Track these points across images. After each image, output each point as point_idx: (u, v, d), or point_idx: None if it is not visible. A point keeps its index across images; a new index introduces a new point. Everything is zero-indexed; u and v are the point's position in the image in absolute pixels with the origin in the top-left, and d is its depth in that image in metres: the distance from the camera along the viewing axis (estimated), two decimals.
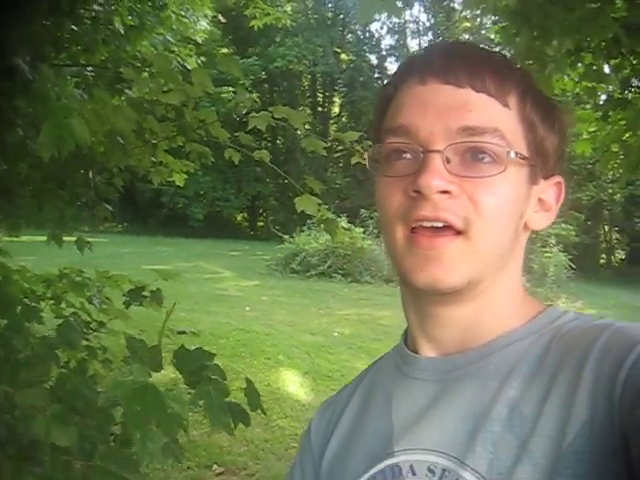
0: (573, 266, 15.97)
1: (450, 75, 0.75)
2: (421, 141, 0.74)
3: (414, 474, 0.74)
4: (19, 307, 2.32)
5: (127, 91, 3.82)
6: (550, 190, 0.82)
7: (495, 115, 0.74)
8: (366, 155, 0.83)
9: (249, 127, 2.76)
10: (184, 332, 7.79)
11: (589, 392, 0.65)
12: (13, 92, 2.22)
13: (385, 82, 0.87)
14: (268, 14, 6.68)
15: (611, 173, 17.67)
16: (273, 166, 3.06)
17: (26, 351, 1.79)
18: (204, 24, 7.30)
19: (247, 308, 10.97)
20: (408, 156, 0.76)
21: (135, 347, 1.47)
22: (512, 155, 0.74)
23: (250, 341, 8.41)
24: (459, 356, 0.79)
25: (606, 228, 26.87)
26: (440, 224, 0.72)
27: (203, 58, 5.76)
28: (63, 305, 3.01)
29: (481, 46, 0.85)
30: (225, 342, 8.21)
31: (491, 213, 0.73)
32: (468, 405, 0.74)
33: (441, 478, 0.71)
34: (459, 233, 0.73)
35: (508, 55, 0.87)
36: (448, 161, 0.72)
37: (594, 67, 4.53)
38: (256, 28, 6.89)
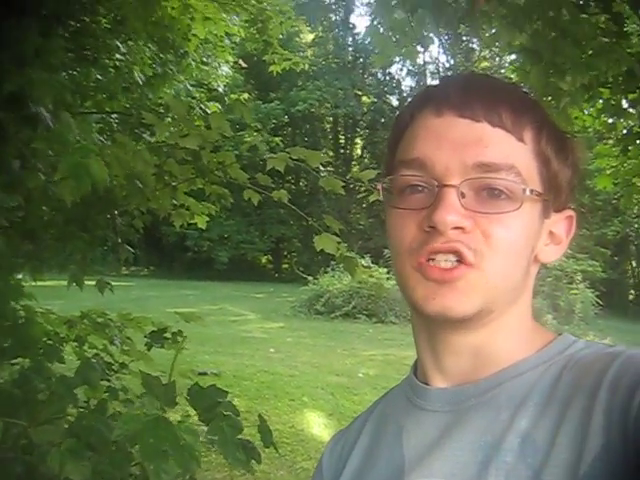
0: (601, 302, 15.74)
1: (466, 108, 0.75)
2: (436, 175, 0.74)
3: None
4: (41, 349, 2.36)
5: (144, 136, 3.91)
6: (561, 223, 0.82)
7: (511, 151, 0.74)
8: (379, 186, 0.83)
9: (267, 168, 2.80)
10: (205, 373, 7.81)
11: (602, 421, 0.64)
12: (34, 139, 2.29)
13: (399, 112, 0.86)
14: (287, 59, 6.79)
15: (636, 208, 17.50)
16: (292, 206, 3.09)
17: (45, 391, 1.81)
18: (226, 69, 7.46)
19: (271, 350, 10.94)
20: (422, 189, 0.76)
21: (151, 384, 1.48)
22: (528, 193, 0.74)
23: (274, 383, 8.37)
24: (470, 386, 0.79)
25: (634, 263, 26.47)
26: (453, 258, 0.72)
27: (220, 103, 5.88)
28: (86, 347, 3.03)
29: (498, 78, 0.85)
30: (249, 384, 8.18)
31: (504, 247, 0.73)
32: (480, 435, 0.74)
33: None
34: (471, 265, 0.73)
35: (525, 89, 0.87)
36: (463, 196, 0.72)
37: (612, 102, 4.53)
38: (275, 73, 7.00)
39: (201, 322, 2.84)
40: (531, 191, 0.74)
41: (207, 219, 3.84)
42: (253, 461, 1.64)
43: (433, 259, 0.73)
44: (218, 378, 7.88)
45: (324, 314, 15.74)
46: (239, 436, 1.56)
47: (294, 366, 9.60)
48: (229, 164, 2.97)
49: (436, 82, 0.87)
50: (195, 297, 18.94)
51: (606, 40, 3.24)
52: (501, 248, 0.73)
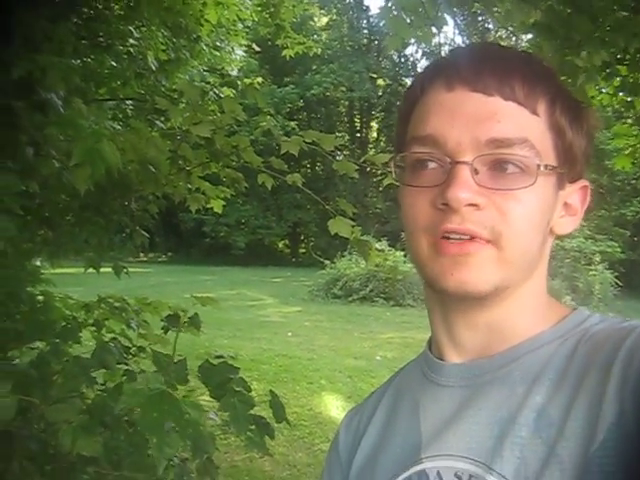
0: (620, 283, 15.65)
1: (478, 82, 0.73)
2: (449, 152, 0.73)
3: None
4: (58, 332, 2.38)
5: (157, 122, 3.92)
6: (576, 194, 0.81)
7: (524, 124, 0.73)
8: (391, 163, 0.82)
9: (282, 152, 2.80)
10: (222, 356, 7.88)
11: (616, 395, 0.64)
12: (46, 125, 2.30)
13: (409, 85, 0.85)
14: (300, 43, 6.76)
15: None
16: (306, 190, 3.08)
17: (61, 372, 1.84)
18: (240, 53, 7.44)
19: (289, 334, 11.00)
20: (435, 166, 0.75)
21: (161, 361, 1.49)
22: (542, 168, 0.73)
23: (292, 366, 8.43)
24: (485, 361, 0.79)
25: None
26: (467, 237, 0.72)
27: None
28: (103, 331, 3.06)
29: (510, 48, 0.84)
30: (267, 368, 8.24)
31: (520, 224, 0.72)
32: (495, 410, 0.74)
33: None
34: (488, 242, 0.72)
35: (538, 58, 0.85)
36: (476, 172, 0.72)
37: (630, 79, 4.47)
38: (288, 57, 6.99)
39: (217, 305, 2.85)
40: (545, 166, 0.73)
41: (223, 204, 3.84)
42: (271, 443, 1.65)
43: (448, 237, 0.72)
44: (235, 362, 7.94)
45: (341, 298, 15.80)
46: (252, 412, 1.57)
47: (312, 350, 9.65)
48: (243, 148, 2.96)
49: (447, 54, 0.84)
50: (213, 282, 19.07)
51: (625, 14, 3.18)
52: (518, 224, 0.72)
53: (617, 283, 15.65)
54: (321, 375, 8.07)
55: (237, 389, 1.56)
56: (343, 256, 16.87)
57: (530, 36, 4.79)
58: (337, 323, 12.57)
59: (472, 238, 0.72)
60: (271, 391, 1.82)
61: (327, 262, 17.13)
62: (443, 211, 0.72)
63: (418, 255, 0.77)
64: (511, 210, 0.72)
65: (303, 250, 32.43)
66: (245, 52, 8.10)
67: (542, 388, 0.72)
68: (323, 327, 12.02)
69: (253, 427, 1.54)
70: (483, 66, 0.75)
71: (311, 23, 28.57)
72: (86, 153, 1.78)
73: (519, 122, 0.73)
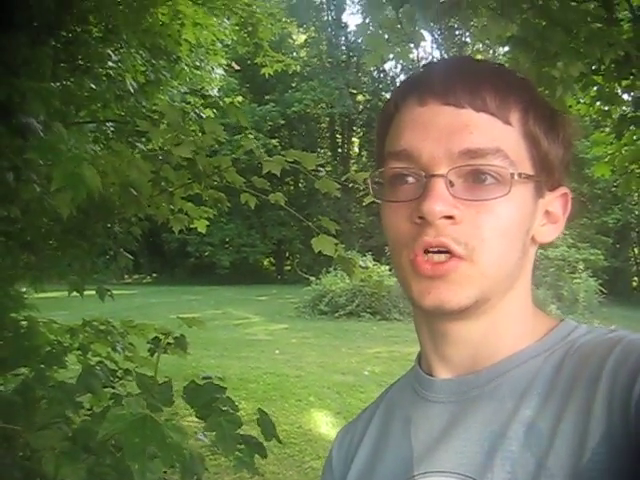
0: (604, 291, 15.79)
1: (450, 95, 0.74)
2: (423, 165, 0.73)
3: None
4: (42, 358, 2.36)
5: (138, 144, 3.92)
6: (556, 202, 0.81)
7: (497, 135, 0.73)
8: (369, 180, 0.82)
9: (264, 172, 2.80)
10: (209, 377, 7.82)
11: (604, 407, 0.65)
12: (26, 150, 2.30)
13: (385, 102, 0.85)
14: (279, 61, 6.80)
15: (636, 195, 17.53)
16: (289, 208, 3.09)
17: (46, 398, 1.82)
18: (220, 72, 7.47)
19: (277, 351, 10.96)
20: (412, 180, 0.75)
21: (145, 384, 1.48)
22: (516, 177, 0.73)
23: (280, 384, 8.38)
24: (473, 376, 0.79)
25: (636, 250, 26.41)
26: (443, 253, 0.72)
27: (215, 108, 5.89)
28: (89, 355, 3.03)
29: (483, 60, 0.84)
30: (255, 386, 8.19)
31: (495, 237, 0.72)
32: (485, 426, 0.74)
33: None
34: (463, 258, 0.72)
35: (510, 68, 0.85)
36: (452, 184, 0.72)
37: (606, 89, 4.53)
38: (267, 75, 7.02)
39: (202, 326, 2.84)
40: (519, 175, 0.73)
41: (207, 223, 3.83)
42: (262, 462, 1.64)
43: (427, 252, 0.73)
44: (223, 381, 7.88)
45: (328, 314, 15.76)
46: (240, 432, 1.56)
47: (300, 367, 9.61)
48: (225, 168, 2.96)
49: (420, 69, 0.84)
50: (198, 302, 18.96)
51: (599, 26, 3.22)
52: (492, 238, 0.72)
53: (601, 290, 15.79)
54: (309, 392, 8.03)
55: (223, 408, 1.55)
56: (328, 272, 16.84)
57: (507, 49, 4.84)
58: (324, 339, 12.54)
59: (447, 257, 0.72)
60: (260, 409, 1.81)
61: (312, 278, 17.09)
62: (420, 225, 0.72)
63: (400, 273, 0.78)
64: (485, 223, 0.72)
65: (288, 267, 32.36)
66: (225, 71, 8.12)
67: (531, 402, 0.72)
68: (310, 344, 11.98)
69: (242, 447, 1.53)
70: (454, 79, 0.75)
71: (289, 41, 28.72)
72: (66, 178, 1.77)
73: (492, 132, 0.73)
